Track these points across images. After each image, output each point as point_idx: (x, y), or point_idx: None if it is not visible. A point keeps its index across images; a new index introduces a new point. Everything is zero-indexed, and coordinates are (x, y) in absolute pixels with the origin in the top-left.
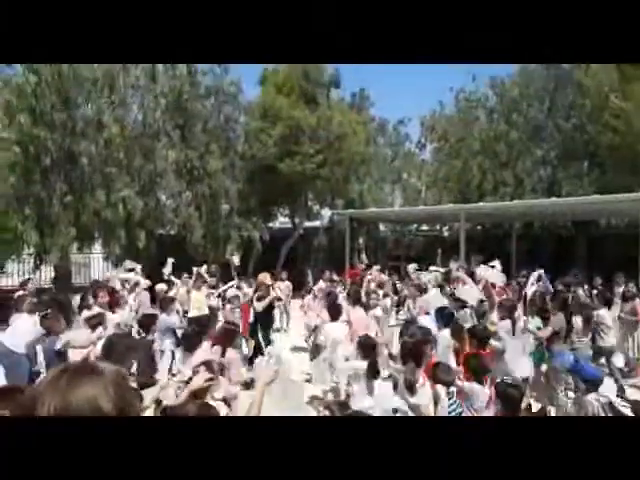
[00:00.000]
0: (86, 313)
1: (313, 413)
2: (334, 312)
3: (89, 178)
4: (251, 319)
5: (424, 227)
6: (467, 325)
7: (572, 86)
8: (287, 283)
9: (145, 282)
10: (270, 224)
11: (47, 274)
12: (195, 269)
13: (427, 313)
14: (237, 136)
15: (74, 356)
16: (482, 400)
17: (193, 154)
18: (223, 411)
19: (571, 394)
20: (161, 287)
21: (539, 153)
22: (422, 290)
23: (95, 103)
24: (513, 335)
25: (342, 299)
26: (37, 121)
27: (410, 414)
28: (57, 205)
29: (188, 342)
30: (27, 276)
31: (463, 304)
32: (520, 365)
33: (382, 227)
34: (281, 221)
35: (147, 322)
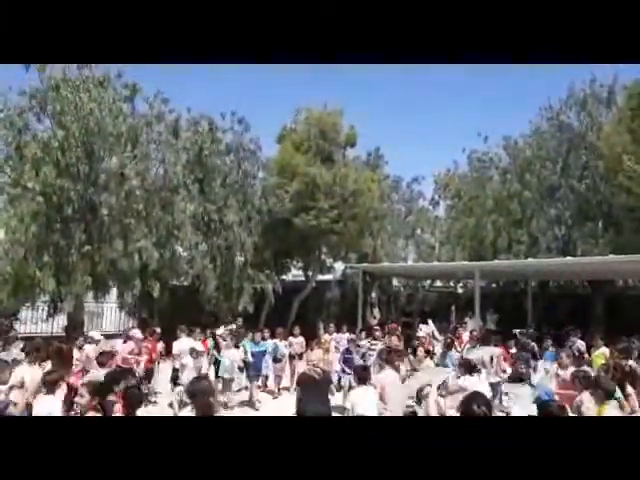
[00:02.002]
0: None
1: None
2: (363, 375)
3: (108, 228)
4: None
5: (438, 283)
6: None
7: (585, 148)
8: (301, 339)
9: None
10: (283, 276)
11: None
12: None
13: None
14: (255, 191)
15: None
16: None
17: (211, 207)
18: None
19: None
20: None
21: (553, 212)
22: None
23: (118, 157)
24: None
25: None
26: (62, 173)
27: None
28: (75, 254)
29: None
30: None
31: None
32: None
33: (395, 282)
34: (294, 274)
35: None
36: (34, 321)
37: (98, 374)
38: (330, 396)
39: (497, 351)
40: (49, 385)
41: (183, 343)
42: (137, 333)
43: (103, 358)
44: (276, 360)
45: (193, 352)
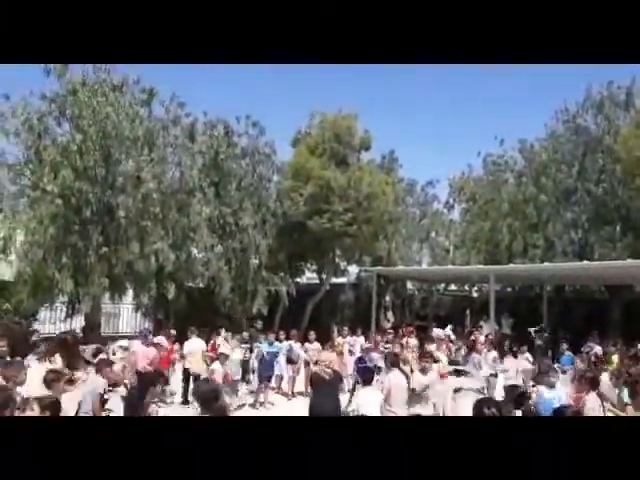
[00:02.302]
0: None
1: None
2: (367, 376)
3: (125, 230)
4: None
5: (452, 286)
6: None
7: (602, 151)
8: (316, 344)
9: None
10: (297, 279)
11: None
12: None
13: None
14: (269, 194)
15: None
16: None
17: (227, 210)
18: None
19: None
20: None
21: (569, 216)
22: None
23: (135, 160)
24: None
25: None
26: (80, 176)
27: None
28: (93, 256)
29: None
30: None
31: None
32: None
33: (409, 285)
34: (308, 276)
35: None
36: (52, 321)
37: (98, 381)
38: (341, 394)
39: (527, 366)
40: (46, 384)
41: (193, 344)
42: (163, 341)
43: (100, 365)
44: (291, 361)
45: (221, 356)
